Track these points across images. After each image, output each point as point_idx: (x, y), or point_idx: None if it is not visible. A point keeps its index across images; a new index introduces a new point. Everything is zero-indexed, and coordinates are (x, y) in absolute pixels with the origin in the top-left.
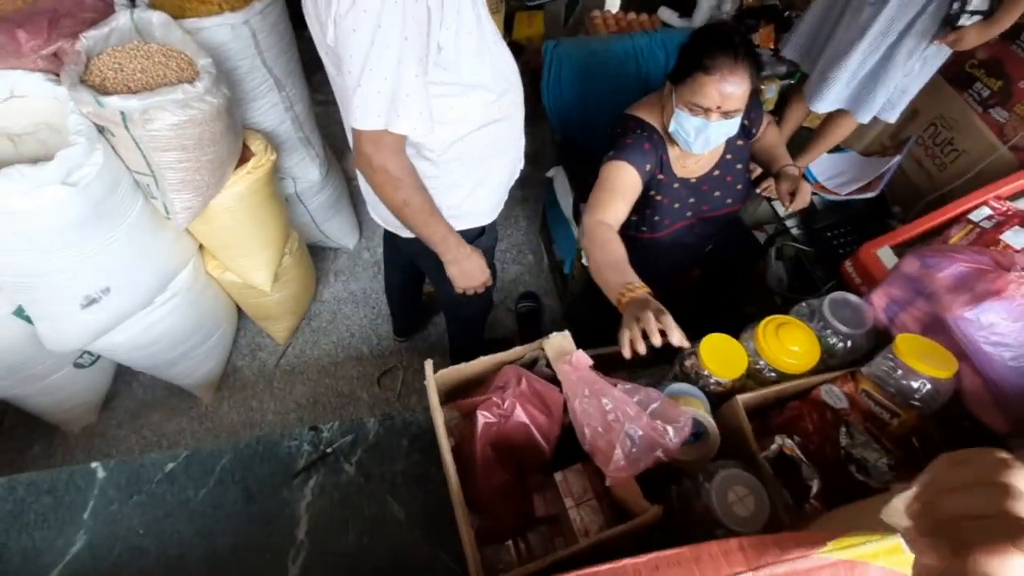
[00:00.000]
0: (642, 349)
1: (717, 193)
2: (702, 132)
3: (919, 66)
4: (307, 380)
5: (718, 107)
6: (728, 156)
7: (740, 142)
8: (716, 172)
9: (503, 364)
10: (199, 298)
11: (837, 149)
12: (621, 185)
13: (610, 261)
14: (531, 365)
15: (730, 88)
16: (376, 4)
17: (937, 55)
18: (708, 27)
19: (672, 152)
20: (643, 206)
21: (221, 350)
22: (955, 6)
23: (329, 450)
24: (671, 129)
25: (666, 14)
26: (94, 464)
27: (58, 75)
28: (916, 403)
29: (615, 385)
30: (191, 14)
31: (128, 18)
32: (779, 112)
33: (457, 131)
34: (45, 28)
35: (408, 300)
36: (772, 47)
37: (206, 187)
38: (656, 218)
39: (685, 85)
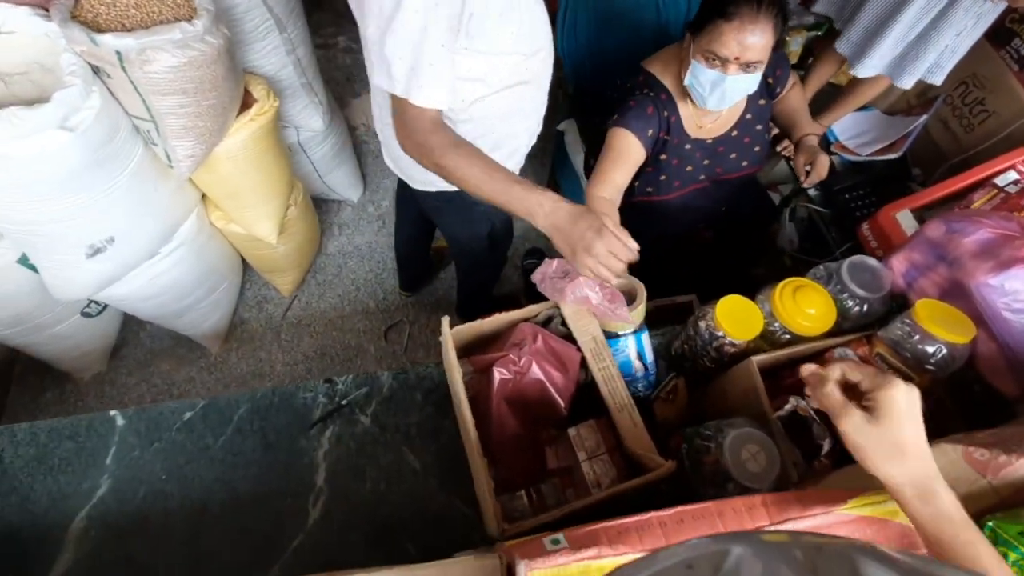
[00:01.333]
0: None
1: (733, 155)
2: (718, 86)
3: (972, 23)
4: (314, 332)
5: (736, 58)
6: (748, 116)
7: (762, 101)
8: (734, 133)
9: (519, 321)
10: (204, 249)
11: (860, 107)
12: (620, 154)
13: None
14: (546, 323)
15: (751, 38)
16: None
17: (993, 10)
18: None
19: (685, 111)
20: (648, 167)
21: (227, 302)
22: None
23: (344, 402)
24: (686, 82)
25: None
26: (112, 412)
27: (47, 9)
28: (931, 367)
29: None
30: None
31: None
32: (802, 66)
33: (477, 90)
34: None
35: (417, 254)
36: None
37: (208, 134)
38: (663, 178)
39: (704, 33)
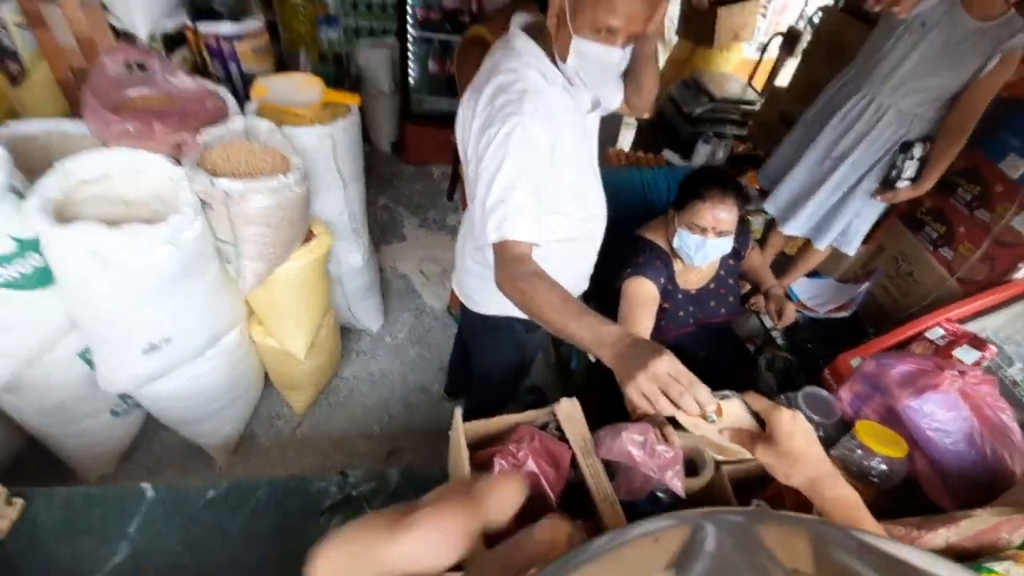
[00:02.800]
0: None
1: (713, 303)
2: (701, 248)
3: (868, 209)
4: (318, 452)
5: (713, 228)
6: (722, 272)
7: (731, 261)
8: (712, 285)
9: (519, 424)
10: (240, 359)
11: (817, 275)
12: (644, 298)
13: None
14: (543, 427)
15: (721, 213)
16: (503, 149)
17: (877, 204)
18: (704, 167)
19: (676, 267)
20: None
21: (244, 413)
22: (893, 173)
23: (354, 493)
24: (675, 245)
25: (669, 154)
26: (144, 484)
27: (177, 159)
28: (874, 479)
29: None
30: (289, 123)
31: (242, 122)
32: (762, 240)
33: (547, 236)
34: (176, 121)
35: (465, 367)
36: (756, 187)
37: (275, 259)
38: (663, 323)
39: (686, 210)
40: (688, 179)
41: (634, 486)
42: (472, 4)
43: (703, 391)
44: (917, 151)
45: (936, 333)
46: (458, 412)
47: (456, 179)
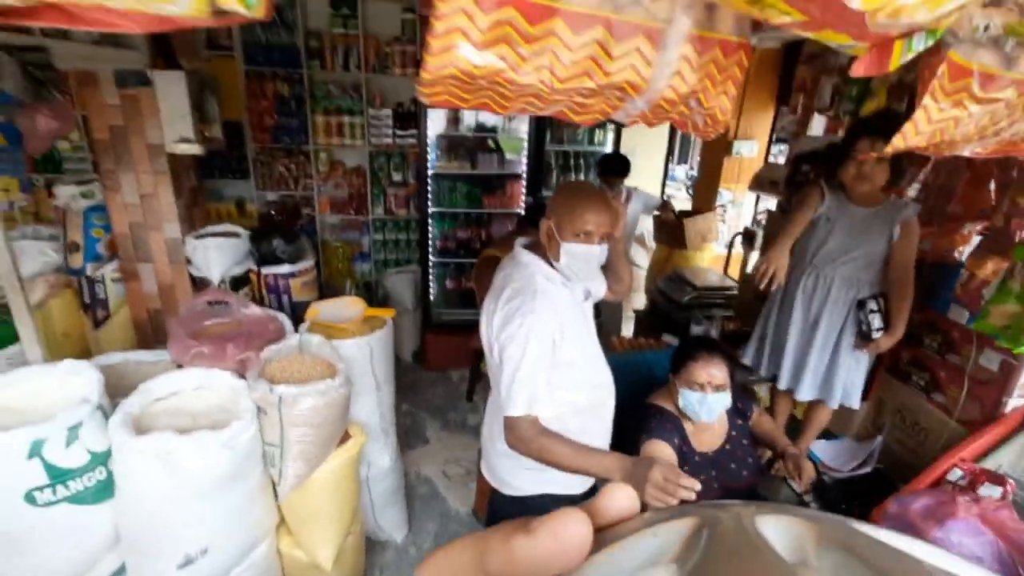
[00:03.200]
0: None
1: (733, 465)
2: (703, 402)
3: (855, 363)
4: None
5: (708, 383)
6: (734, 433)
7: (740, 422)
8: (728, 447)
9: None
10: (266, 574)
11: (834, 436)
12: (661, 460)
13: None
14: None
15: (713, 370)
16: (522, 340)
17: (863, 357)
18: (692, 336)
19: (688, 428)
20: None
21: None
22: (864, 328)
23: None
24: (681, 405)
25: (668, 337)
26: None
27: (241, 374)
28: None
29: None
30: (336, 337)
31: (296, 339)
32: (771, 409)
33: (566, 409)
34: (243, 343)
35: None
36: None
37: (316, 459)
38: None
39: (682, 372)
40: (680, 348)
41: None
42: (481, 234)
43: (686, 480)
44: (871, 304)
45: (956, 474)
46: None
47: (475, 380)
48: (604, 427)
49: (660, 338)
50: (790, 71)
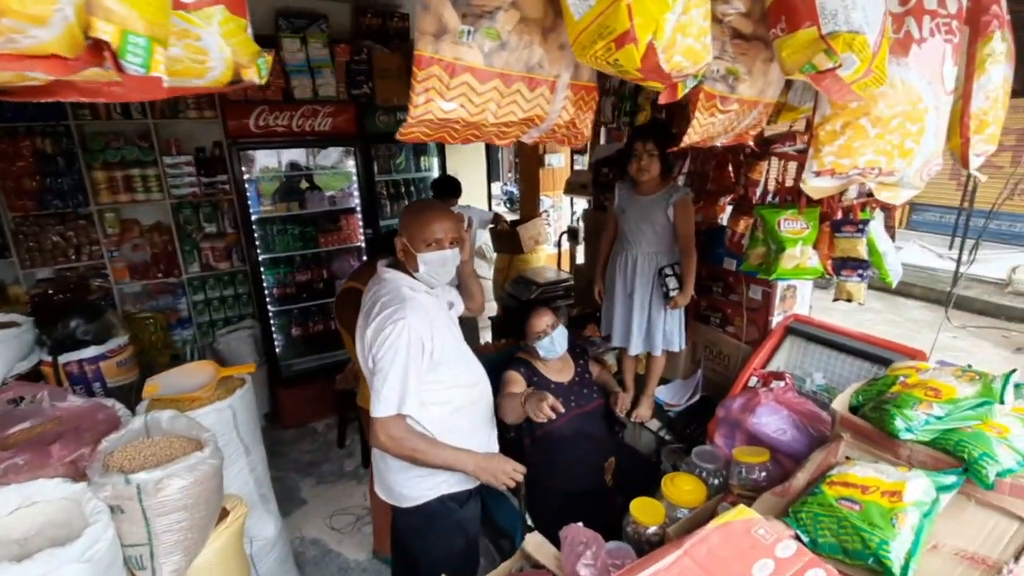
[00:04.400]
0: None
1: (584, 391)
2: (552, 340)
3: (668, 318)
4: None
5: (547, 326)
6: (579, 367)
7: (581, 361)
8: (577, 378)
9: None
10: None
11: (667, 381)
12: (509, 380)
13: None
14: (520, 571)
15: (544, 317)
16: (392, 347)
17: (672, 312)
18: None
19: (539, 366)
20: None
21: None
22: (664, 290)
23: None
24: (542, 354)
25: None
26: None
27: (73, 478)
28: (762, 482)
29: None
30: (187, 409)
31: (140, 420)
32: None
33: (448, 409)
34: (72, 441)
35: None
36: (599, 335)
37: (194, 546)
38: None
39: (527, 333)
40: (514, 319)
41: None
42: (323, 273)
43: (520, 468)
44: (667, 271)
45: (753, 381)
46: None
47: (344, 424)
48: (485, 419)
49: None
50: None
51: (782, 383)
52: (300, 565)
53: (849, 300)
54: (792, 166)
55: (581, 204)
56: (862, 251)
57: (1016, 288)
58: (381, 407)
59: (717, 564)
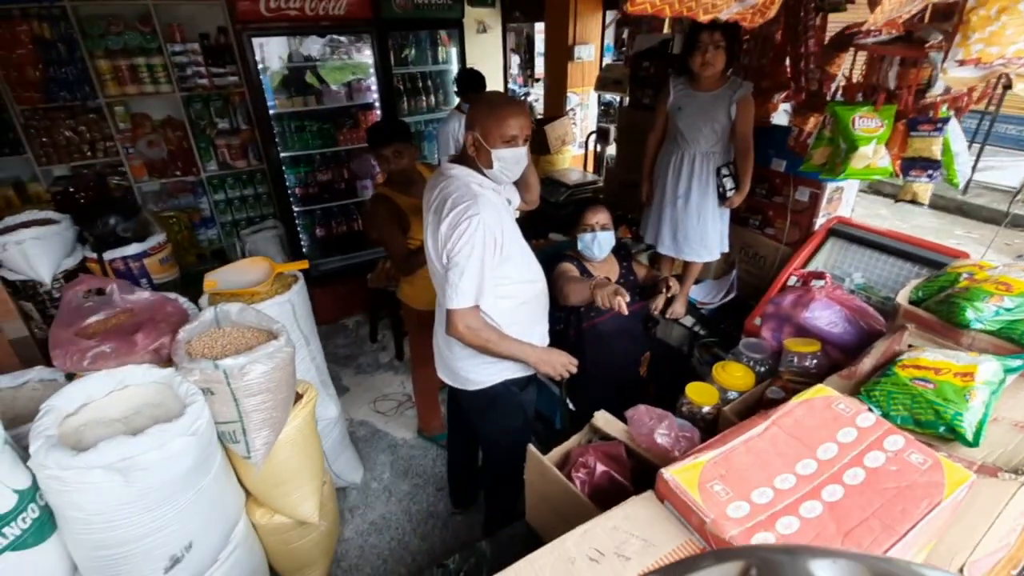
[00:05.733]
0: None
1: (628, 291)
2: (595, 239)
3: (720, 219)
4: None
5: (596, 223)
6: (623, 270)
7: (625, 263)
8: (621, 281)
9: (570, 450)
10: (252, 551)
11: (700, 282)
12: (564, 269)
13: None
14: (588, 443)
15: (599, 215)
16: (469, 242)
17: (722, 215)
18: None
19: (587, 266)
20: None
21: None
22: (721, 190)
23: (462, 574)
24: (580, 248)
25: (555, 235)
26: None
27: (155, 364)
28: (812, 370)
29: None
30: (257, 299)
31: (211, 312)
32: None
33: (513, 303)
34: (152, 330)
35: (467, 470)
36: (629, 236)
37: (278, 423)
38: (592, 313)
39: (579, 222)
40: (575, 208)
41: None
42: (343, 172)
43: (574, 361)
44: (724, 171)
45: (792, 280)
46: (532, 448)
47: (376, 319)
48: (543, 313)
49: (548, 237)
50: None
51: (823, 282)
52: (354, 442)
53: (913, 201)
54: (860, 59)
55: (605, 101)
56: (936, 151)
57: None
58: (460, 299)
59: (804, 431)
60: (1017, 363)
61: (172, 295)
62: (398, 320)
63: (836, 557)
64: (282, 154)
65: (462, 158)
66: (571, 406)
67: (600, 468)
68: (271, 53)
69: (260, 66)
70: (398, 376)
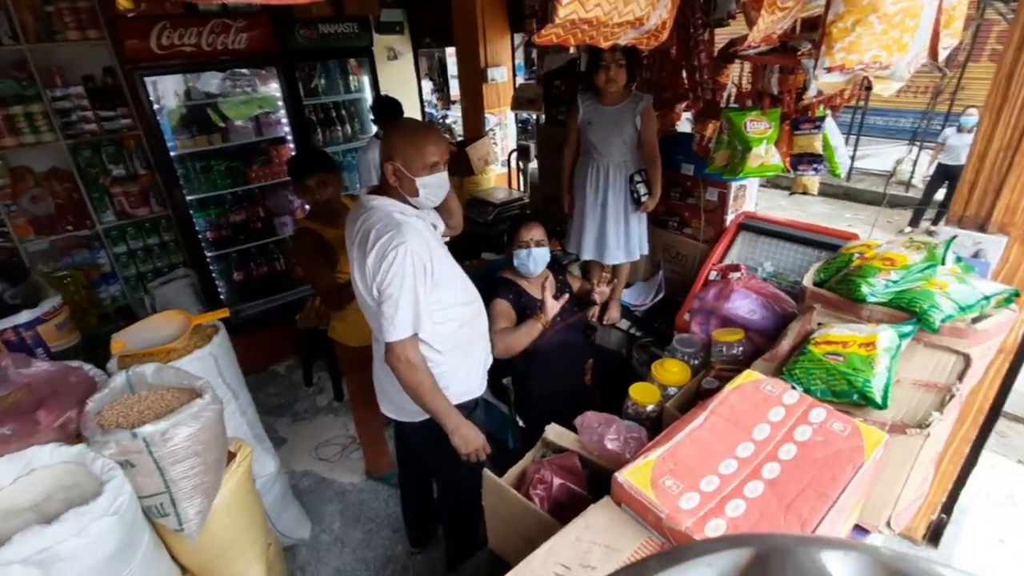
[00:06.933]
0: None
1: (566, 305)
2: (530, 255)
3: (637, 225)
4: None
5: (530, 239)
6: (559, 284)
7: (561, 277)
8: (557, 294)
9: (524, 468)
10: None
11: (628, 286)
12: (498, 312)
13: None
14: (542, 458)
15: (533, 231)
16: (399, 272)
17: (640, 218)
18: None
19: (524, 285)
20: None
21: None
22: (635, 196)
23: None
24: (516, 264)
25: (487, 255)
26: None
27: (63, 442)
28: (740, 357)
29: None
30: (175, 356)
31: (123, 378)
32: (586, 277)
33: (452, 327)
34: (57, 404)
35: (422, 506)
36: (559, 249)
37: (211, 488)
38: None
39: (513, 239)
40: (510, 225)
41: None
42: (259, 211)
43: (488, 449)
44: (637, 178)
45: (713, 275)
46: (487, 472)
47: (309, 363)
48: (483, 332)
49: (481, 257)
50: (519, 1)
51: (739, 274)
52: (298, 496)
53: (804, 192)
54: (745, 68)
55: (522, 120)
56: (818, 146)
57: (899, 178)
58: (397, 331)
59: (739, 416)
60: (908, 328)
61: (75, 363)
62: (333, 359)
63: (848, 549)
64: (188, 197)
65: (381, 188)
66: (521, 423)
67: (557, 482)
68: (167, 91)
69: (156, 106)
70: (339, 418)
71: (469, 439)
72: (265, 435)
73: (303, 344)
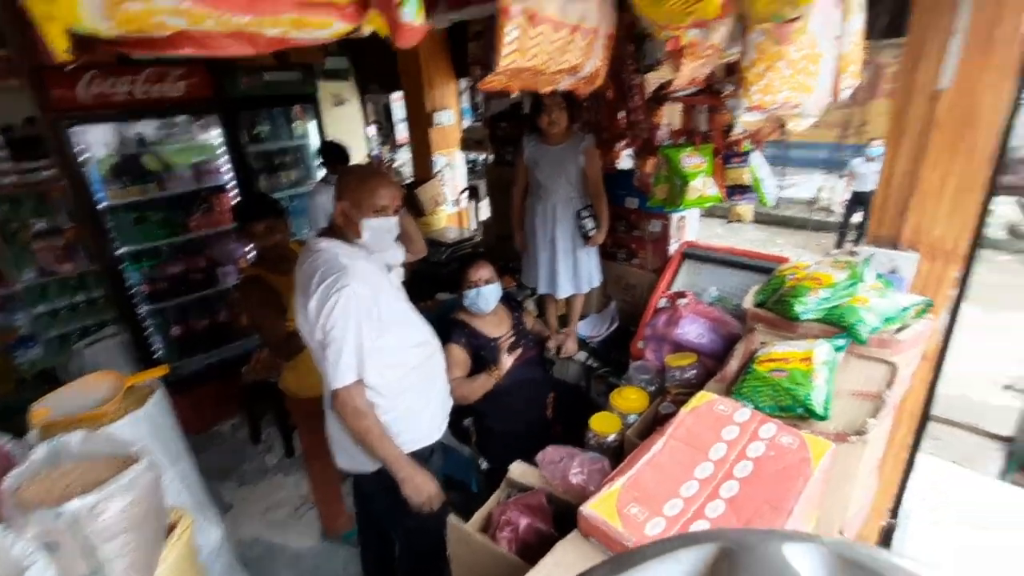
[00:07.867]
0: None
1: (522, 341)
2: (479, 294)
3: (587, 259)
4: None
5: (479, 279)
6: (514, 322)
7: (516, 313)
8: (513, 331)
9: (490, 512)
10: None
11: (582, 317)
12: (454, 359)
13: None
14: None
15: (481, 270)
16: (341, 316)
17: (589, 252)
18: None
19: (476, 324)
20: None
21: None
22: (583, 231)
23: None
24: (466, 304)
25: (442, 295)
26: None
27: None
28: (693, 381)
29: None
30: (105, 421)
31: (44, 450)
32: (543, 313)
33: (402, 371)
34: None
35: (385, 563)
36: (515, 284)
37: (148, 566)
38: (492, 365)
39: (462, 282)
40: (459, 268)
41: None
42: (200, 262)
43: (441, 499)
44: (584, 213)
45: (662, 302)
46: (452, 517)
47: (256, 419)
48: (438, 374)
49: (436, 297)
50: (462, 48)
51: (686, 300)
52: (247, 566)
53: (739, 220)
54: (677, 109)
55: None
56: (747, 178)
57: (821, 204)
58: (341, 377)
59: (695, 438)
60: (841, 342)
61: None
62: (283, 413)
63: (807, 541)
64: (121, 250)
65: (331, 230)
66: (484, 465)
67: (524, 522)
68: (95, 140)
69: (84, 156)
70: (290, 477)
71: (421, 488)
72: (209, 502)
73: (249, 399)
